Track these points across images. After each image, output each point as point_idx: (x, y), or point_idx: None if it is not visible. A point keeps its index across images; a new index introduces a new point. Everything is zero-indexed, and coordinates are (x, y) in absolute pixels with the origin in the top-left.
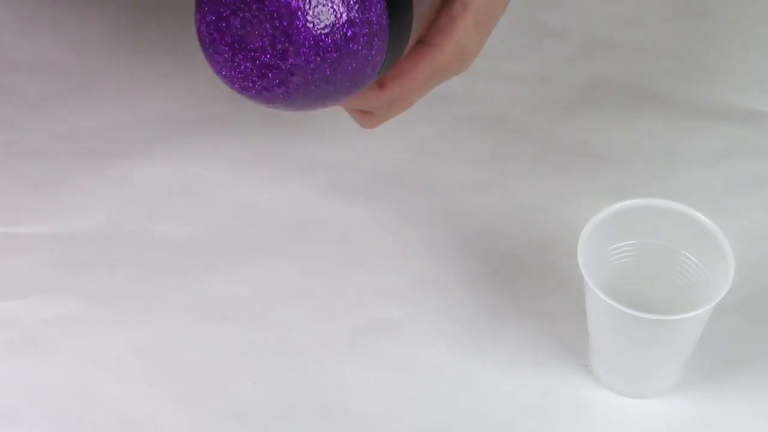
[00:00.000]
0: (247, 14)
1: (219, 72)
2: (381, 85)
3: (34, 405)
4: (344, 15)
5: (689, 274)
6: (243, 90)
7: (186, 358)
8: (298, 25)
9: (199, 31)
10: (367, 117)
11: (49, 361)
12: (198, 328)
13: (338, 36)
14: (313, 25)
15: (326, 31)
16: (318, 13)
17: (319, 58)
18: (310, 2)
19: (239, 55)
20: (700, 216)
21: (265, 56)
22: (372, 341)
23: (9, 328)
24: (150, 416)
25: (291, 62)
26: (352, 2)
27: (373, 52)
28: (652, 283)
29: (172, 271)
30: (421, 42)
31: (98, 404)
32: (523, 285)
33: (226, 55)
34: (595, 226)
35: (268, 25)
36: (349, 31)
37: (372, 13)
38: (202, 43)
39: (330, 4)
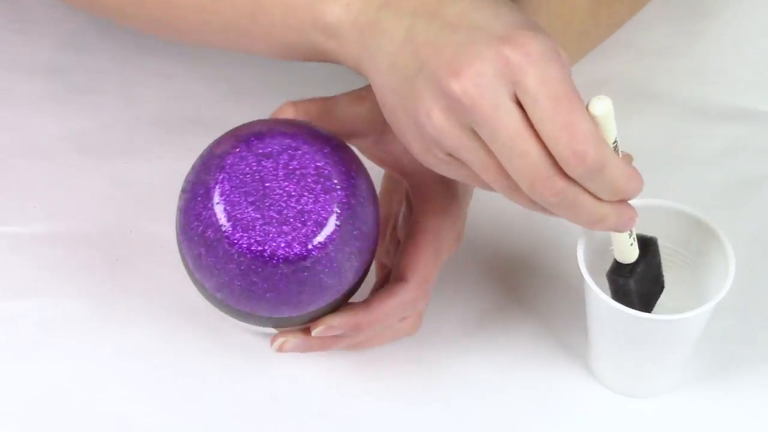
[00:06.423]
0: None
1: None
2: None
3: (34, 405)
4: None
5: (689, 274)
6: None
7: (186, 359)
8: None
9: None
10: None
11: (49, 361)
12: (198, 328)
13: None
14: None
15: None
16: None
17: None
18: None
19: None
20: (700, 216)
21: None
22: None
23: (9, 328)
24: (150, 416)
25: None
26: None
27: (335, 272)
28: None
29: (172, 271)
30: (396, 279)
31: (98, 404)
32: (523, 285)
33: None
34: None
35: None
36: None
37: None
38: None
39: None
